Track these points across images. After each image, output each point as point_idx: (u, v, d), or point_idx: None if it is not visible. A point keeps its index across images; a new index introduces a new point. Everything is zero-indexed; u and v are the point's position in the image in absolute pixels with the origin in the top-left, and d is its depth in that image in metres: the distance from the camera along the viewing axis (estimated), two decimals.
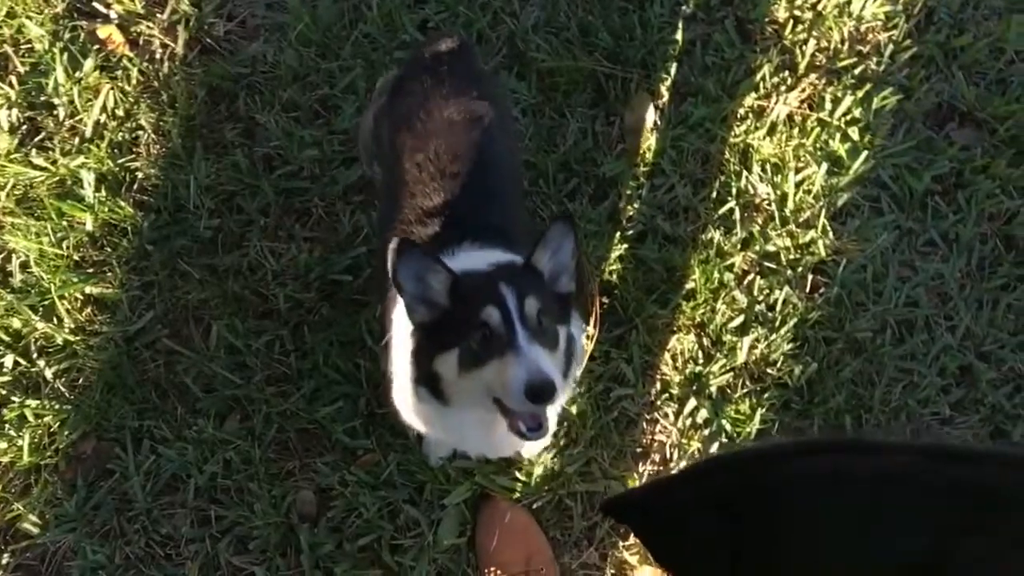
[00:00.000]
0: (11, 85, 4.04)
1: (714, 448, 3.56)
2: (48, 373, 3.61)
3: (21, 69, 4.07)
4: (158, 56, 4.10)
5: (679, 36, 4.10)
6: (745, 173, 3.94)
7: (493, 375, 2.25)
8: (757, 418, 3.58)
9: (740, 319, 3.73)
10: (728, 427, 3.60)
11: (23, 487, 3.51)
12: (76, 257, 3.77)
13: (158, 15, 4.15)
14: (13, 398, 3.59)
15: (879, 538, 1.03)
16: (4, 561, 3.44)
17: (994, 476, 0.99)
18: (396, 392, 2.79)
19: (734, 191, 3.91)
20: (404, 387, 2.63)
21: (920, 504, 1.01)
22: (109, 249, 3.78)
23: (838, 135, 4.02)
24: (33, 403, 3.56)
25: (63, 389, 3.60)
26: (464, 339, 2.29)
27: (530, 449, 3.40)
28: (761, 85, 4.09)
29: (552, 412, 2.42)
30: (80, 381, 3.62)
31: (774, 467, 1.11)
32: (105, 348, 3.63)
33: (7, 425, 3.56)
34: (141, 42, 4.13)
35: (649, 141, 3.98)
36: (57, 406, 3.57)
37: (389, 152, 3.12)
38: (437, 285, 2.36)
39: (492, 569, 3.33)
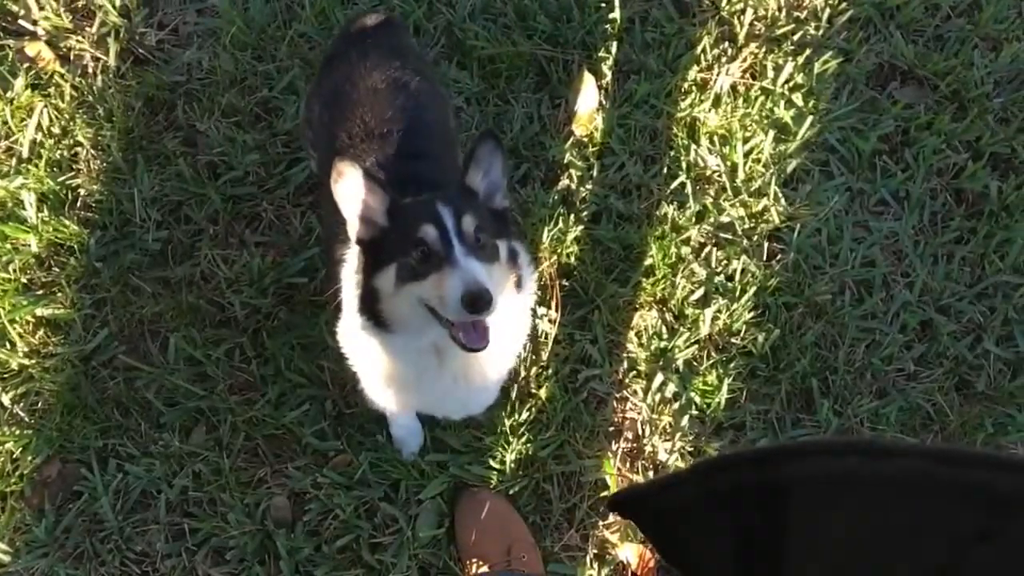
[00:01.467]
0: None
1: (685, 421, 3.66)
2: (5, 399, 3.62)
3: None
4: (90, 70, 4.12)
5: (617, 14, 4.20)
6: (694, 146, 4.04)
7: (431, 288, 2.36)
8: (725, 388, 3.68)
9: (700, 291, 3.83)
10: (697, 399, 3.70)
11: None
12: (24, 280, 3.78)
13: (87, 29, 4.17)
14: None
15: (889, 542, 1.04)
16: None
17: (1009, 482, 0.99)
18: (347, 339, 2.90)
19: (684, 165, 4.01)
20: (353, 329, 2.72)
21: (933, 509, 1.01)
22: (57, 269, 3.80)
23: (782, 102, 4.14)
24: None
25: (22, 414, 3.62)
26: (403, 255, 2.42)
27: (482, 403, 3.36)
28: (702, 58, 4.20)
29: (508, 335, 2.57)
30: (39, 405, 3.64)
31: (783, 466, 1.10)
32: (62, 369, 3.65)
33: None
34: (72, 57, 4.15)
35: (596, 121, 4.08)
36: (17, 432, 3.59)
37: (321, 129, 3.25)
38: (375, 204, 2.51)
39: (474, 560, 3.40)
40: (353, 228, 2.54)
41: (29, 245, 3.80)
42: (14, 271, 3.78)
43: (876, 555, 1.03)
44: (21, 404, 3.64)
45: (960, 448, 1.01)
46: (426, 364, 2.70)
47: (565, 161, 4.00)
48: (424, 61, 3.46)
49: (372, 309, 2.54)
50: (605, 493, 3.58)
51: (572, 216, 3.90)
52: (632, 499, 1.36)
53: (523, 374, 3.67)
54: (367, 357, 2.82)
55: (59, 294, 3.76)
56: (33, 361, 3.66)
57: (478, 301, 2.23)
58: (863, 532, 1.04)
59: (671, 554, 1.33)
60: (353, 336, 2.79)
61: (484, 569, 3.35)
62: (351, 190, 2.47)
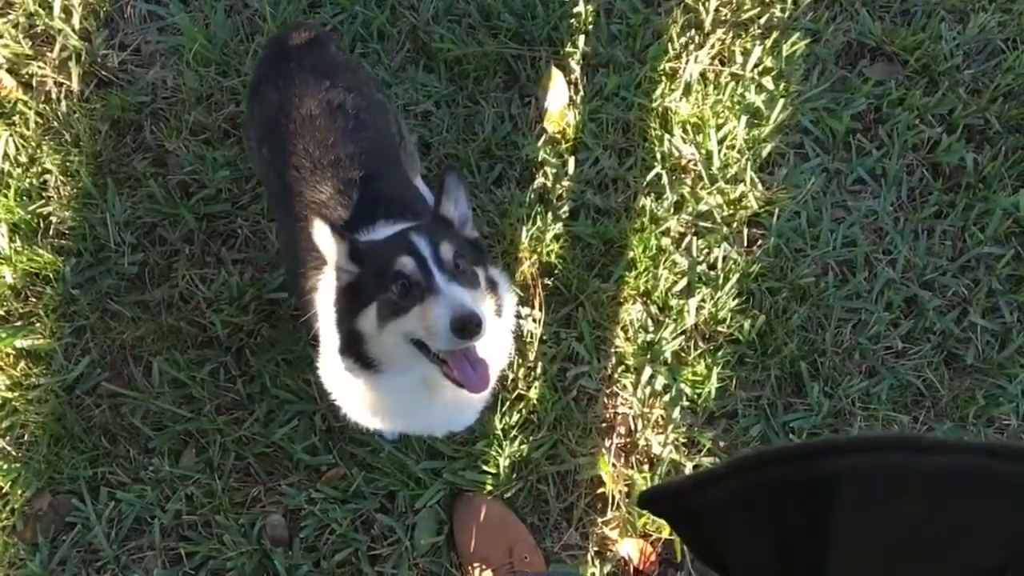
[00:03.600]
0: None
1: (676, 412, 3.74)
2: None
3: None
4: (54, 96, 4.16)
5: (581, 8, 4.27)
6: (667, 136, 4.12)
7: (416, 321, 2.34)
8: (714, 377, 3.77)
9: (683, 282, 3.91)
10: (687, 390, 3.78)
11: None
12: (1, 312, 3.83)
13: (47, 54, 4.22)
14: None
15: (943, 538, 1.03)
16: None
17: None
18: (329, 377, 2.92)
19: (659, 156, 4.09)
20: (335, 367, 2.73)
21: (987, 506, 1.00)
22: (34, 299, 3.85)
23: (753, 87, 4.23)
24: None
25: (8, 448, 3.67)
26: (382, 292, 2.42)
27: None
28: (670, 47, 4.27)
29: (490, 360, 2.50)
30: (25, 437, 3.69)
31: (826, 462, 1.09)
32: (46, 400, 3.70)
33: None
34: (34, 83, 4.19)
35: (567, 117, 4.15)
36: (5, 466, 3.64)
37: (263, 165, 3.24)
38: (340, 252, 2.52)
39: (476, 565, 3.47)
40: (339, 278, 2.57)
41: (4, 276, 3.84)
42: None
43: (929, 551, 1.03)
44: (7, 438, 3.69)
45: (1015, 444, 1.00)
46: (416, 397, 2.71)
47: (539, 159, 4.06)
48: (354, 69, 3.39)
49: (357, 351, 2.54)
50: (602, 490, 3.65)
51: (550, 214, 3.96)
52: (665, 496, 1.34)
53: (511, 376, 3.74)
54: (353, 393, 2.82)
55: (38, 324, 3.80)
56: (16, 393, 3.71)
57: (468, 325, 2.21)
58: (915, 528, 1.04)
59: (705, 552, 1.31)
60: (337, 373, 2.79)
61: (488, 573, 3.43)
62: (322, 242, 2.51)
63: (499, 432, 3.66)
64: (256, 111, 3.23)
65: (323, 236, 2.50)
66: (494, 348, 2.69)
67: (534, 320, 3.81)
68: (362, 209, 2.90)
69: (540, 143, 4.10)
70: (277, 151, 3.07)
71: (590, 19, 4.30)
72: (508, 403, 3.71)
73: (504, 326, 2.76)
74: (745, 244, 4.00)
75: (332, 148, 3.00)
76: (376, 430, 3.54)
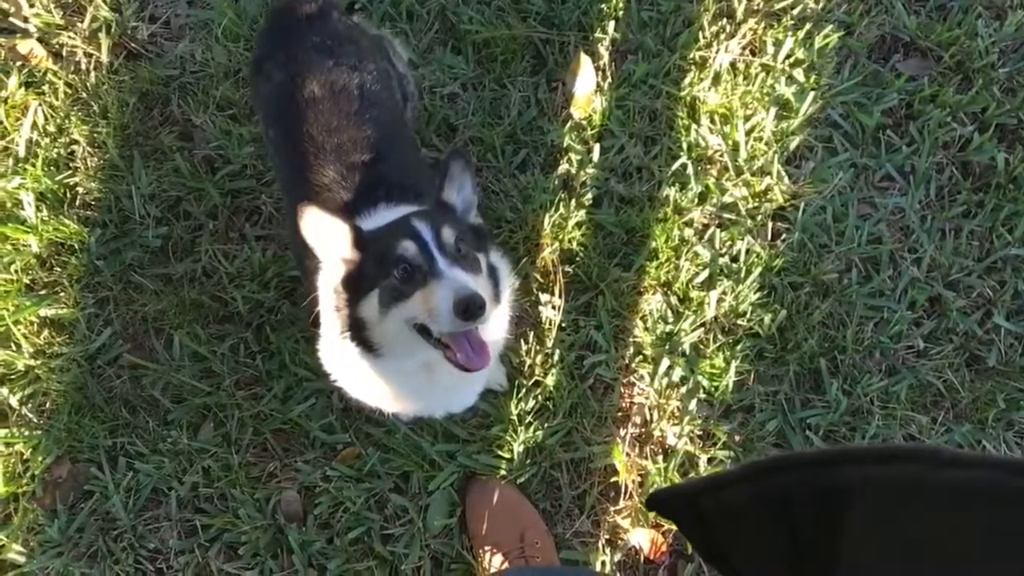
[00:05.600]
0: None
1: (692, 404, 3.87)
2: (13, 400, 3.85)
3: None
4: (83, 66, 4.33)
5: None
6: (694, 126, 4.23)
7: (418, 306, 2.43)
8: (732, 370, 3.88)
9: (705, 273, 4.03)
10: (705, 382, 3.91)
11: (3, 517, 3.77)
12: (26, 280, 4.00)
13: (78, 24, 4.38)
14: None
15: (956, 552, 1.06)
16: None
17: None
18: (330, 359, 3.03)
19: (685, 146, 4.21)
20: (336, 348, 2.86)
21: (1005, 520, 1.03)
22: (59, 269, 4.02)
23: (783, 78, 4.33)
24: (1, 432, 3.81)
25: (30, 415, 3.85)
26: (384, 278, 2.50)
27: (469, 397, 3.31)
28: (701, 35, 4.38)
29: (490, 342, 2.61)
30: (47, 405, 3.87)
31: (842, 471, 1.12)
32: (68, 369, 3.87)
33: None
34: (64, 54, 4.36)
35: (594, 103, 4.28)
36: (27, 433, 3.82)
37: (269, 145, 3.35)
38: (341, 239, 2.60)
39: (487, 548, 3.60)
40: (332, 271, 2.67)
41: (30, 245, 4.01)
42: (16, 272, 3.99)
43: (944, 561, 1.07)
44: (29, 405, 3.86)
45: None
46: (416, 381, 2.82)
47: (564, 145, 4.18)
48: (356, 40, 3.33)
49: (359, 337, 2.64)
50: (615, 479, 3.78)
51: (573, 201, 4.08)
52: (677, 497, 1.39)
53: (528, 362, 3.87)
54: (353, 375, 2.93)
55: (62, 294, 3.97)
56: (39, 362, 3.88)
57: (471, 306, 2.28)
58: (930, 539, 1.07)
59: (713, 552, 1.38)
60: (336, 355, 2.91)
61: (498, 557, 3.56)
62: (317, 231, 2.56)
63: (514, 418, 3.79)
64: (261, 88, 3.29)
65: (318, 226, 2.55)
66: (493, 333, 2.80)
67: (553, 307, 3.94)
68: (363, 193, 2.98)
69: (566, 129, 4.21)
70: (281, 132, 3.15)
71: (621, 5, 4.40)
72: (524, 389, 3.84)
73: (503, 312, 2.86)
74: (769, 238, 4.10)
75: (336, 132, 3.06)
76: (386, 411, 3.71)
